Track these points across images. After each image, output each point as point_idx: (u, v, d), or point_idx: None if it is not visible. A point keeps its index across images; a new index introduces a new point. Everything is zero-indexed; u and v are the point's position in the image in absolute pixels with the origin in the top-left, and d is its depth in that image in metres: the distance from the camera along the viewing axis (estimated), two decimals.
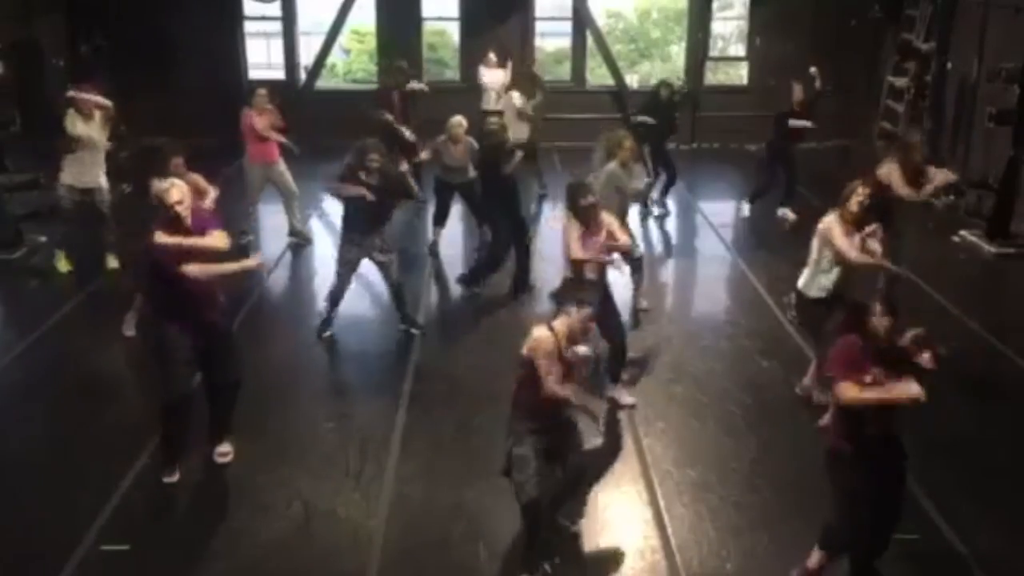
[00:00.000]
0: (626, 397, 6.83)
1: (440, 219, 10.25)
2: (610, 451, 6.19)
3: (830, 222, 6.29)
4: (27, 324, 8.17)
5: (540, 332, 4.83)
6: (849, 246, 6.18)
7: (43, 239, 10.26)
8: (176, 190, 5.50)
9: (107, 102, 9.01)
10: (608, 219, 6.53)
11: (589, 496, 5.57)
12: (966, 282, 9.61)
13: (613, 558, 5.15)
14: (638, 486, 5.81)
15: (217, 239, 5.64)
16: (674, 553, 5.14)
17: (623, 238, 6.61)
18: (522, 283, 9.00)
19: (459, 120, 9.80)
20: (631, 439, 6.33)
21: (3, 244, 9.83)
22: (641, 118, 11.55)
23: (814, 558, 4.82)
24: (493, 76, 12.92)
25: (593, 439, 5.99)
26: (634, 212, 9.29)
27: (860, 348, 4.52)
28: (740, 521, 5.43)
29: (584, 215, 6.35)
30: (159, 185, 5.63)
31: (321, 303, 8.28)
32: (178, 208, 5.45)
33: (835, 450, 4.62)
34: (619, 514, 5.56)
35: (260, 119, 10.14)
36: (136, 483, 5.75)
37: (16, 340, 7.91)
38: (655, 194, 11.79)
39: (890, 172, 7.50)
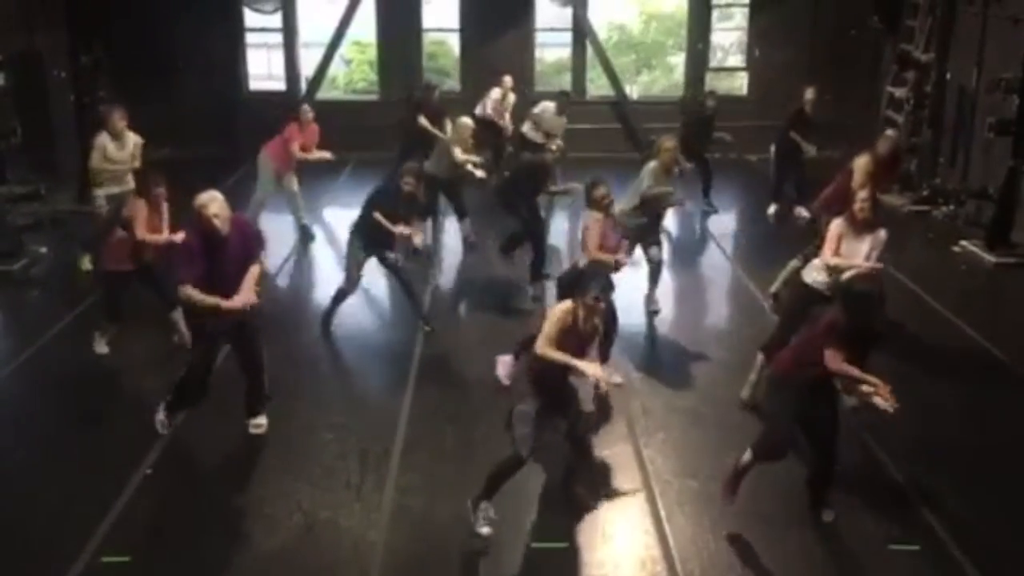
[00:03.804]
0: (616, 377, 7.04)
1: (424, 215, 10.52)
2: (611, 461, 6.19)
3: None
4: (27, 335, 8.17)
5: (562, 304, 5.32)
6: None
7: (44, 250, 10.28)
8: (216, 204, 5.78)
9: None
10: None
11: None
12: (966, 292, 9.62)
13: (614, 568, 5.14)
14: (639, 497, 5.79)
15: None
16: (675, 563, 5.13)
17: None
18: (537, 271, 9.25)
19: (468, 122, 10.34)
20: (632, 449, 6.33)
21: (4, 255, 9.84)
22: (719, 135, 12.05)
23: (744, 457, 5.43)
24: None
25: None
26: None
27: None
28: (741, 531, 5.41)
29: (601, 206, 6.94)
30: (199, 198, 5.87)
31: (319, 314, 8.32)
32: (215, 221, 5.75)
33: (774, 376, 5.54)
34: (620, 524, 5.55)
35: (299, 137, 10.53)
36: (137, 494, 5.74)
37: (16, 351, 7.91)
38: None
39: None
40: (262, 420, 6.49)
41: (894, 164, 8.86)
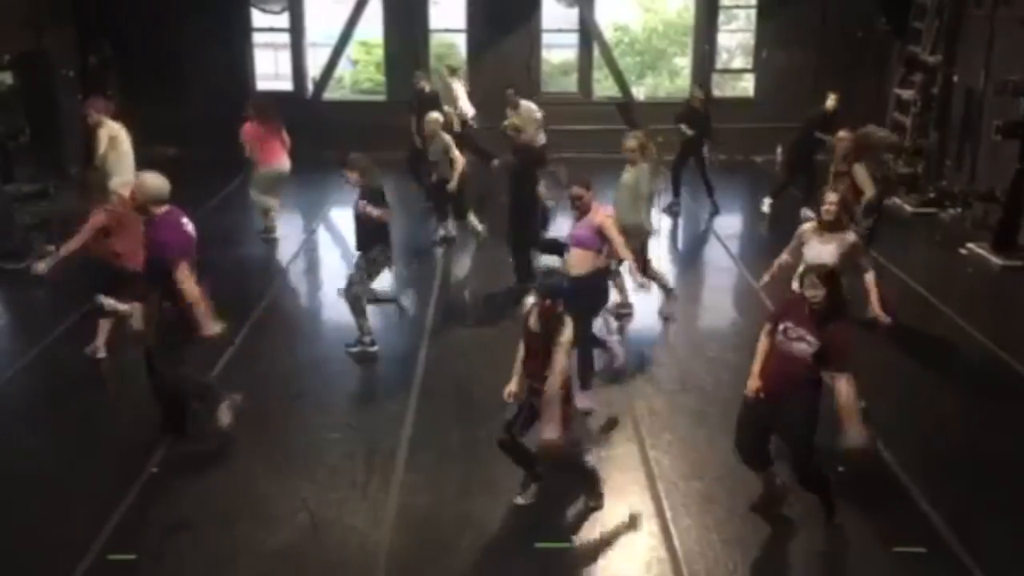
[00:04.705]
0: (584, 402, 6.86)
1: (440, 216, 10.91)
2: (616, 463, 6.19)
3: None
4: (35, 333, 8.20)
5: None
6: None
7: (51, 248, 10.28)
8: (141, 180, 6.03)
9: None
10: (603, 220, 6.83)
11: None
12: (973, 294, 9.61)
13: (619, 569, 5.14)
14: (644, 497, 5.80)
15: None
16: (681, 565, 5.13)
17: (617, 246, 6.91)
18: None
19: (435, 117, 10.40)
20: (637, 450, 6.33)
21: (12, 253, 9.85)
22: (682, 127, 11.95)
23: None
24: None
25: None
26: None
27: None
28: (746, 532, 5.41)
29: (572, 205, 6.93)
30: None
31: (326, 314, 8.32)
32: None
33: None
34: (625, 525, 5.54)
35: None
36: (143, 492, 5.76)
37: (24, 349, 7.93)
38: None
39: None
40: (221, 415, 6.30)
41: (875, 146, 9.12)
